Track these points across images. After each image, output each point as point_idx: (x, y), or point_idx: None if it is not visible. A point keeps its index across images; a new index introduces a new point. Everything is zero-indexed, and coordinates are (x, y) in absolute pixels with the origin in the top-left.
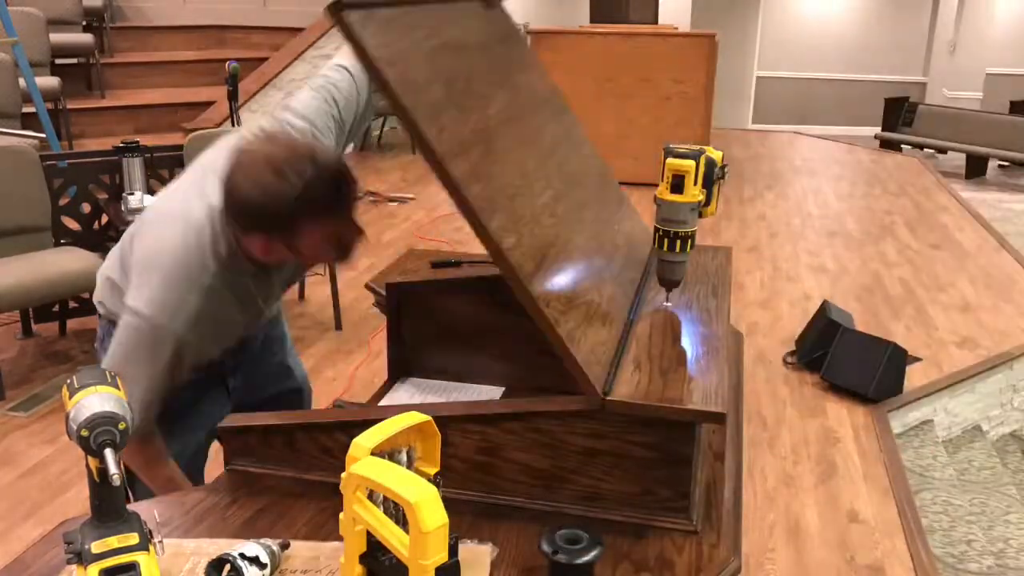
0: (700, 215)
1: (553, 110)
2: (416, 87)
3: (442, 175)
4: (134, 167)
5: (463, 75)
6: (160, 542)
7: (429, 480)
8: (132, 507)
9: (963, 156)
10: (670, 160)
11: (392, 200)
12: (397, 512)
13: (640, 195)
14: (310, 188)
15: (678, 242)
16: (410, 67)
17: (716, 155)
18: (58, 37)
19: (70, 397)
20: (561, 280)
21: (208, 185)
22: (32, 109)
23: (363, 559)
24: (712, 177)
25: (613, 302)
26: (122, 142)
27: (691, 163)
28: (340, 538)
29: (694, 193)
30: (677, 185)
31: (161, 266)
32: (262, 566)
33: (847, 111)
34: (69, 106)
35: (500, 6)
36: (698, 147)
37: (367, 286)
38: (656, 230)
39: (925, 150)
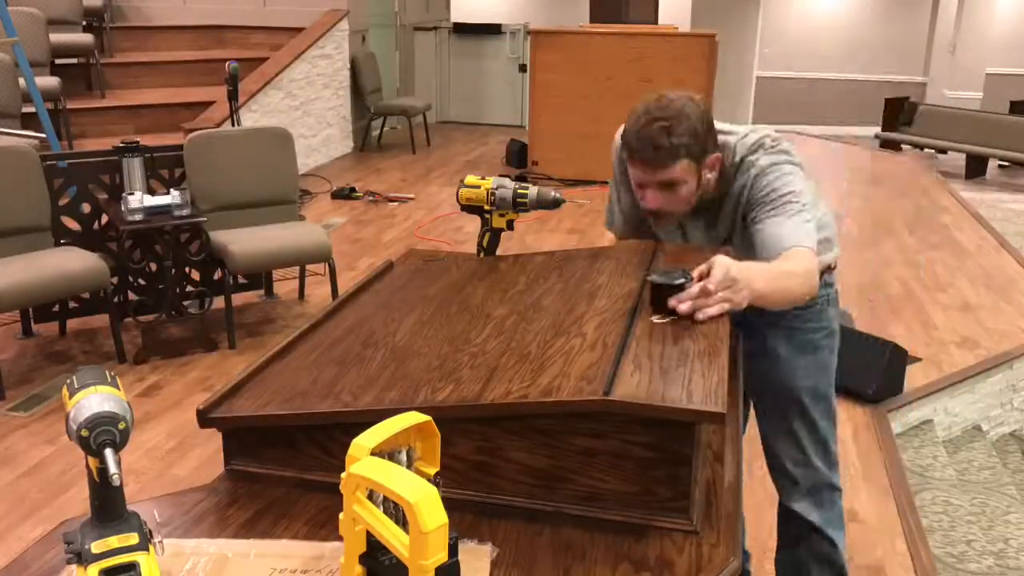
0: None
1: None
2: None
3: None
4: (134, 167)
5: None
6: (160, 542)
7: (429, 480)
8: (132, 507)
9: (963, 156)
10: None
11: (392, 200)
12: (397, 512)
13: None
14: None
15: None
16: None
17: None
18: (58, 37)
19: (70, 397)
20: None
21: None
22: (32, 109)
23: (363, 559)
24: None
25: (601, 329)
26: (122, 142)
27: None
28: (340, 538)
29: None
30: None
31: None
32: None
33: (847, 111)
34: (69, 106)
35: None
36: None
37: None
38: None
39: (925, 150)
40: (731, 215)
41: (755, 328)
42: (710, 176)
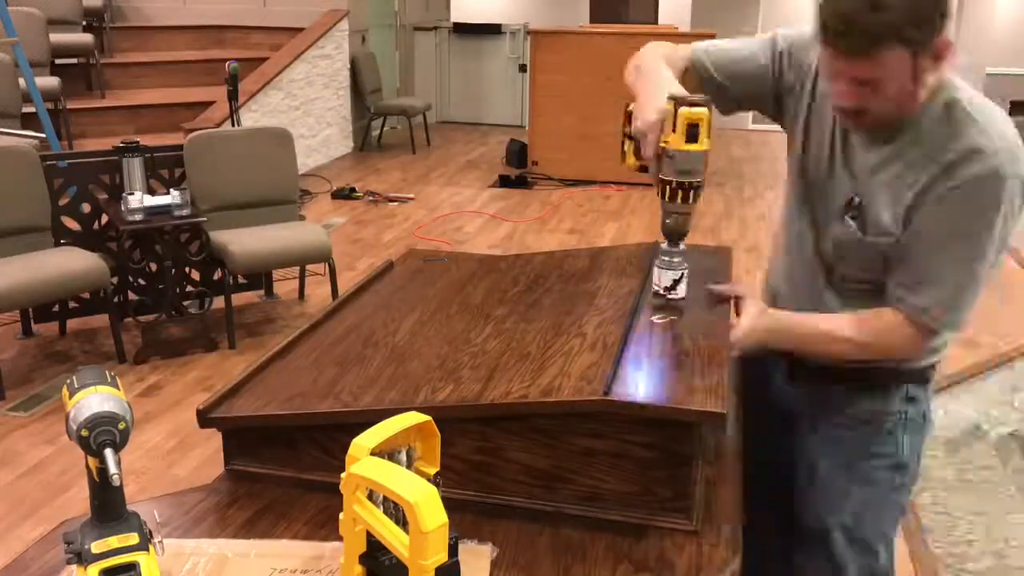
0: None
1: None
2: None
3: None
4: (134, 167)
5: None
6: (160, 542)
7: (429, 480)
8: (132, 507)
9: None
10: (684, 110)
11: (392, 200)
12: (397, 512)
13: (640, 195)
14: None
15: (691, 193)
16: None
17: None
18: (58, 37)
19: (70, 397)
20: None
21: None
22: (32, 109)
23: (363, 559)
24: None
25: (601, 329)
26: (122, 142)
27: (705, 111)
28: (340, 538)
29: (707, 142)
30: (693, 134)
31: None
32: None
33: None
34: (69, 106)
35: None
36: (701, 96)
37: None
38: (667, 183)
39: None
40: (916, 164)
41: (798, 420)
42: (931, 70)
